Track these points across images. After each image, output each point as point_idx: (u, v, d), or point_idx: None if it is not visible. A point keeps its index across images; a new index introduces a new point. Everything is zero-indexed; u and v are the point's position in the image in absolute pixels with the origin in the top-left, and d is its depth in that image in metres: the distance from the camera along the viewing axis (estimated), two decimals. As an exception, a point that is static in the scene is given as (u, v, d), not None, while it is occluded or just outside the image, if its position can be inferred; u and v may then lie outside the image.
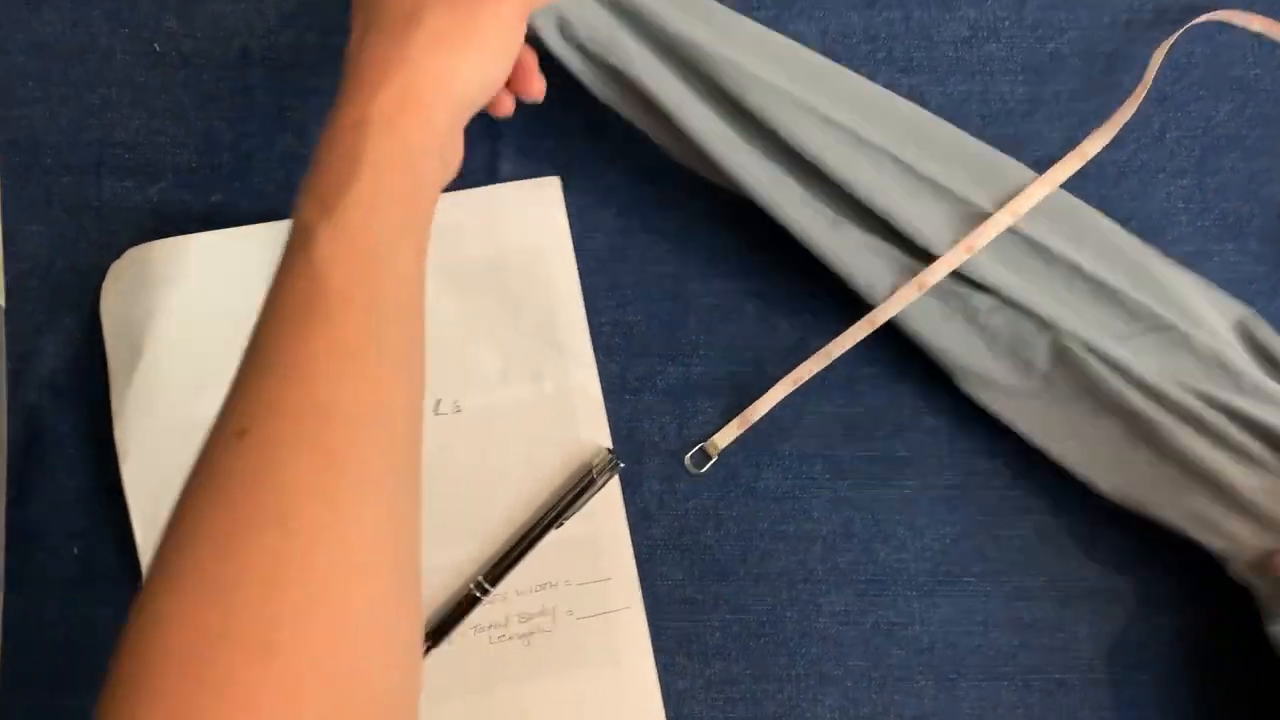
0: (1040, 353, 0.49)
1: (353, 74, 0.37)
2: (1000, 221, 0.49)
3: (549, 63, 0.48)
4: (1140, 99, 0.52)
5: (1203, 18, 0.52)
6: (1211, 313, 0.50)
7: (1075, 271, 0.49)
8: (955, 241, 0.49)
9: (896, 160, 0.49)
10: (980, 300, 0.50)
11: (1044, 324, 0.49)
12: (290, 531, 0.30)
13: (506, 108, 0.46)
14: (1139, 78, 0.53)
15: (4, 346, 0.52)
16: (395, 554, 0.33)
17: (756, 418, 0.52)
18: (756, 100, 0.48)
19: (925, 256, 0.49)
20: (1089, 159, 0.51)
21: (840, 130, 0.49)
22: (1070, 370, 0.49)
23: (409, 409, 0.34)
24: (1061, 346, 0.49)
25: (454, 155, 0.39)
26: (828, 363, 0.52)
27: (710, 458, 0.52)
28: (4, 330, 0.52)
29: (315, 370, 0.32)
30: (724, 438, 0.52)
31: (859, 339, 0.51)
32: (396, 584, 0.32)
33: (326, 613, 0.30)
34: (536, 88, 0.45)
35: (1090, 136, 0.52)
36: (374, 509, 0.32)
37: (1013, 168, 0.50)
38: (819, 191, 0.50)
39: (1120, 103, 0.52)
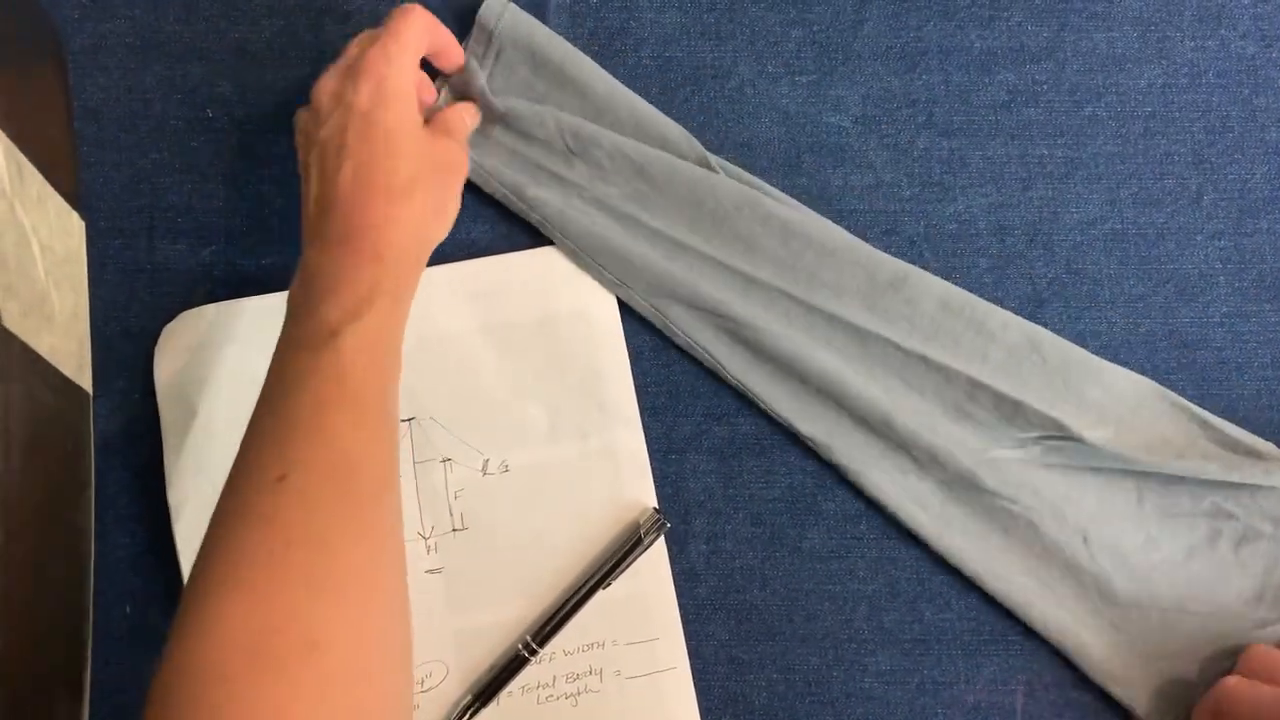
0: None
1: (357, 217, 0.45)
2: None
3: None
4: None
5: None
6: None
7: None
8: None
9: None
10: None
11: None
12: (329, 554, 0.38)
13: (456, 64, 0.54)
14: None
15: (94, 435, 0.53)
16: (400, 584, 0.41)
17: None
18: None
19: None
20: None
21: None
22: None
23: (396, 466, 0.44)
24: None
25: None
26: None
27: None
28: (93, 420, 0.53)
29: (341, 437, 0.41)
30: None
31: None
32: (402, 608, 0.41)
33: (354, 621, 0.38)
34: (457, 62, 0.54)
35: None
36: (389, 550, 0.41)
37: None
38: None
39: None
